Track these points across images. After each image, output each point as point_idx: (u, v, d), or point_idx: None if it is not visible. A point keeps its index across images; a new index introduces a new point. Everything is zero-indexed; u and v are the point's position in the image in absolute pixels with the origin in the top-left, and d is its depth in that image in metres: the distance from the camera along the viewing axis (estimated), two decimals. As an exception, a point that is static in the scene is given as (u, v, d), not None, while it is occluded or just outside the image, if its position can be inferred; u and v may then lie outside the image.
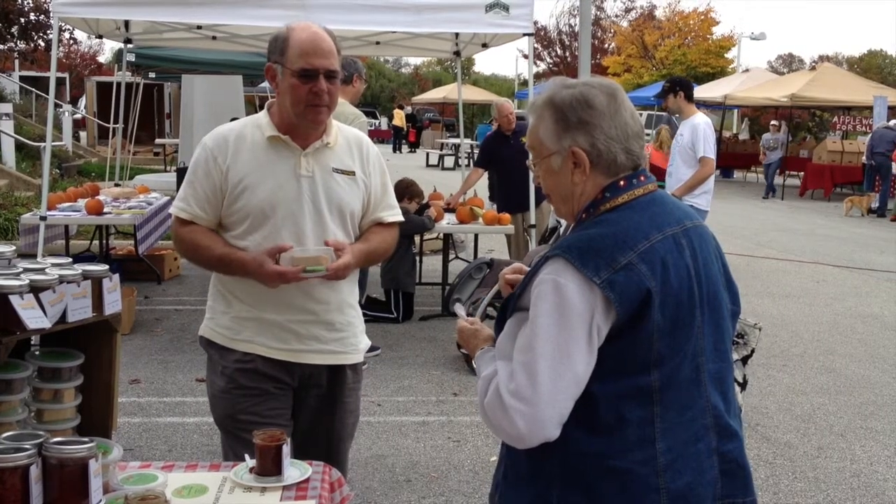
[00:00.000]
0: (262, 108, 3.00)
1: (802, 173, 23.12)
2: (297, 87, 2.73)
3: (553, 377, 1.81)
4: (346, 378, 3.01)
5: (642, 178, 1.99)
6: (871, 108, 21.47)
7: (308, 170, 2.82)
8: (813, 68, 30.71)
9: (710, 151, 7.37)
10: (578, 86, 1.99)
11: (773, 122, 22.69)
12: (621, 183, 1.97)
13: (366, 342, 3.09)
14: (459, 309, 2.29)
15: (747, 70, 31.83)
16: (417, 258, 8.55)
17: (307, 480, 2.32)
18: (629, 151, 1.97)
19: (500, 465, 2.10)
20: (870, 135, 20.25)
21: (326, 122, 2.87)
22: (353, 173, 2.91)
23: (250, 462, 2.35)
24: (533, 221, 8.13)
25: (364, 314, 3.21)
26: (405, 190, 7.92)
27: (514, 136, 8.91)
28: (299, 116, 2.77)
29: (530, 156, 2.07)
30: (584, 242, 1.88)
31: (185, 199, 2.84)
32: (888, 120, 19.86)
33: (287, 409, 2.93)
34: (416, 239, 8.97)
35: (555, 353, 1.81)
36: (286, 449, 2.33)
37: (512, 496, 2.02)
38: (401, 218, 3.10)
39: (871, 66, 51.15)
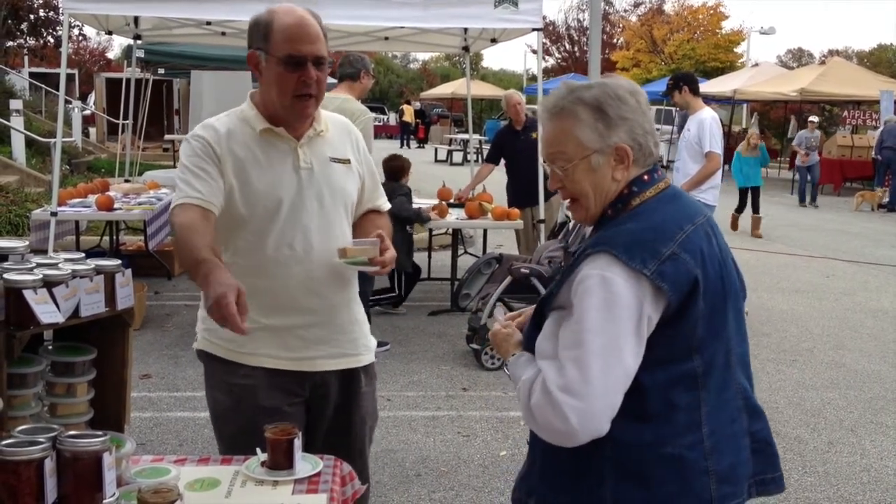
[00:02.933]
0: None
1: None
2: (283, 77, 2.55)
3: (604, 370, 1.81)
4: (359, 382, 2.86)
5: (659, 173, 2.04)
6: (880, 102, 21.39)
7: (307, 161, 2.67)
8: (822, 63, 30.59)
9: (716, 146, 7.35)
10: (598, 85, 1.99)
11: (811, 119, 20.25)
12: (645, 177, 2.00)
13: (373, 340, 2.96)
14: (499, 312, 2.29)
15: (757, 65, 31.68)
16: (412, 235, 8.26)
17: (318, 474, 2.33)
18: (657, 144, 2.03)
19: (531, 468, 2.08)
20: (879, 129, 20.14)
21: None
22: (348, 161, 2.78)
23: (262, 456, 2.36)
24: (542, 216, 8.13)
25: (370, 301, 3.14)
26: (400, 169, 7.70)
27: (524, 130, 8.87)
28: (286, 109, 2.60)
29: (554, 162, 2.02)
30: (626, 237, 1.89)
31: (189, 185, 2.54)
32: (896, 114, 19.75)
33: (300, 423, 2.72)
34: (421, 232, 8.92)
35: (605, 346, 1.82)
36: (297, 443, 2.34)
37: (553, 498, 2.01)
38: (389, 206, 3.04)
39: (882, 60, 50.83)
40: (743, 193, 14.12)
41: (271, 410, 2.65)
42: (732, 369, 2.00)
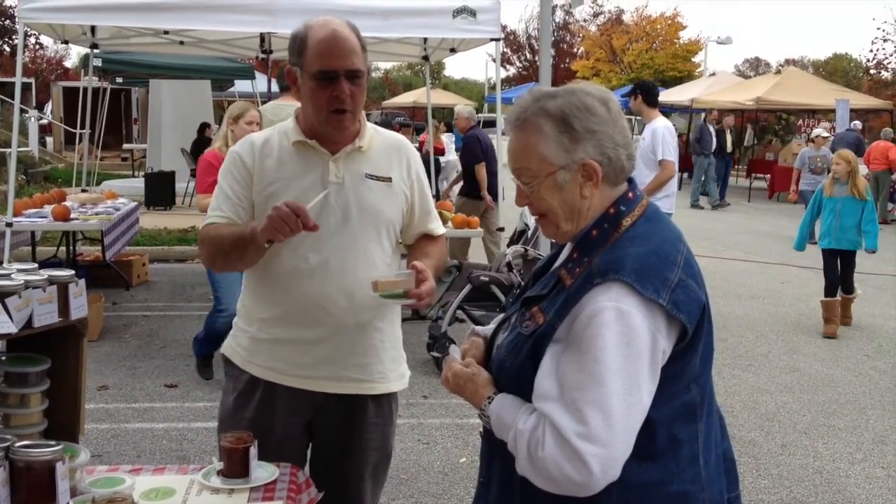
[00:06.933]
0: None
1: (769, 176, 23.39)
2: (316, 92, 2.51)
3: (626, 413, 1.68)
4: (367, 411, 2.73)
5: (640, 189, 1.93)
6: (835, 111, 21.78)
7: (337, 176, 2.59)
8: (778, 72, 31.05)
9: (669, 154, 7.46)
10: (565, 94, 1.84)
11: (820, 133, 16.15)
12: (630, 195, 1.88)
13: (399, 372, 2.81)
14: (455, 351, 2.04)
15: (714, 74, 32.13)
16: None
17: (274, 482, 2.34)
18: (630, 157, 1.87)
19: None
20: (830, 138, 20.51)
21: (360, 125, 2.65)
22: (388, 179, 2.66)
23: (218, 464, 2.36)
24: (501, 224, 8.18)
25: None
26: None
27: None
28: (322, 124, 2.56)
29: (519, 178, 1.88)
30: (635, 263, 1.74)
31: (217, 207, 2.63)
32: (850, 122, 20.13)
33: (296, 441, 2.72)
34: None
35: (626, 386, 1.68)
36: (253, 451, 2.34)
37: None
38: (444, 230, 2.90)
39: (837, 70, 51.80)
40: (830, 261, 8.32)
41: (265, 425, 2.61)
42: (711, 392, 1.91)
